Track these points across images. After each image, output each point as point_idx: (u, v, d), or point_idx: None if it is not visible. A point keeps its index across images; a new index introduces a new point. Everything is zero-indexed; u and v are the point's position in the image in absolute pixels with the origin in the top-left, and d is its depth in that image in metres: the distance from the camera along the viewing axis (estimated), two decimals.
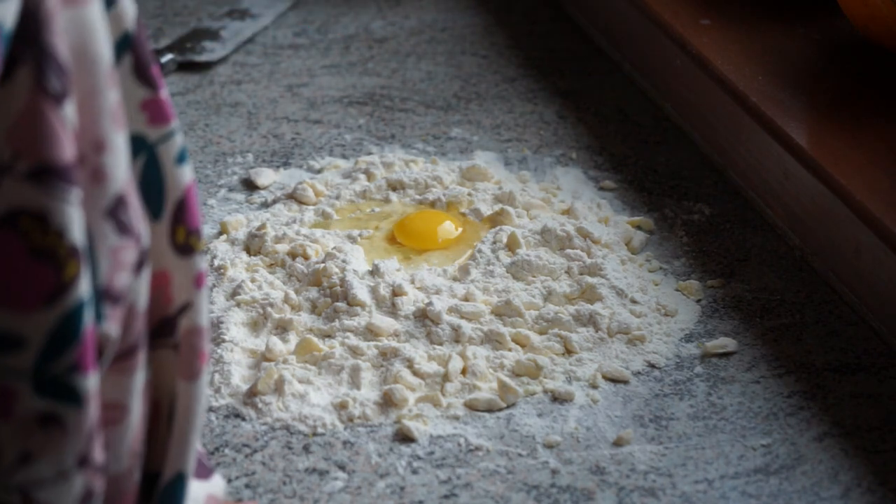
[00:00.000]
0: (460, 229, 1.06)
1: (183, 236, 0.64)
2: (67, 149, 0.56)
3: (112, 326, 0.60)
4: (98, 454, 0.60)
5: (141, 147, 0.62)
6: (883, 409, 0.89)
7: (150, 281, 0.64)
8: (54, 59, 0.56)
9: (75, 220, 0.56)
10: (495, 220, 1.07)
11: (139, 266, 0.61)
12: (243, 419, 0.89)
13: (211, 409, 0.90)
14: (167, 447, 0.66)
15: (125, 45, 0.61)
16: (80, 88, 0.58)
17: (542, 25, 1.44)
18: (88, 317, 0.58)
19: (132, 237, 0.60)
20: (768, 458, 0.85)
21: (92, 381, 0.58)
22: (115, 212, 0.59)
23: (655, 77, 1.27)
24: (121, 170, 0.59)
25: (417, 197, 1.10)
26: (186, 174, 0.64)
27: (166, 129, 0.63)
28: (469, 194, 1.09)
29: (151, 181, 0.63)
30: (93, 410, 0.59)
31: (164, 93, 0.62)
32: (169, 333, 0.65)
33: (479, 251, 1.02)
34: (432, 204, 1.09)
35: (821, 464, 0.85)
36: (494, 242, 1.02)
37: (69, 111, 0.56)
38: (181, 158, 0.63)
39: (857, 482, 0.83)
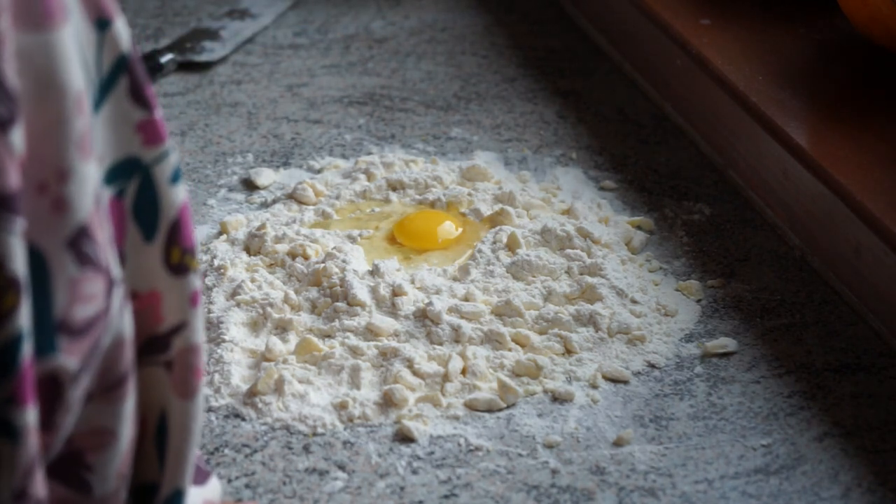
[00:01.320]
0: (460, 229, 1.06)
1: (178, 256, 0.64)
2: (12, 177, 0.55)
3: (70, 360, 0.59)
4: (38, 489, 0.59)
5: (135, 169, 0.62)
6: (883, 409, 0.89)
7: (134, 308, 0.63)
8: (0, 84, 0.55)
9: (17, 251, 0.55)
10: (495, 220, 1.07)
11: (109, 296, 0.59)
12: (243, 419, 0.89)
13: (211, 409, 0.90)
14: (164, 462, 0.66)
15: (121, 67, 0.60)
16: (45, 116, 0.56)
17: (542, 25, 1.44)
18: (27, 349, 0.57)
19: (95, 269, 0.59)
20: (768, 458, 0.85)
21: (30, 416, 0.57)
22: (77, 243, 0.58)
23: (655, 77, 1.27)
24: (85, 200, 0.58)
25: (417, 197, 1.10)
26: (180, 194, 0.63)
27: (161, 149, 0.62)
28: (469, 194, 1.09)
29: (146, 203, 0.62)
30: (31, 445, 0.58)
31: (159, 112, 0.62)
32: (159, 351, 0.65)
33: (479, 251, 1.02)
34: (432, 204, 1.09)
35: (821, 464, 0.85)
36: (494, 242, 1.02)
37: (16, 138, 0.55)
38: (175, 178, 0.63)
39: (857, 482, 0.83)
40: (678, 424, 0.88)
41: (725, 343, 0.95)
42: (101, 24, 0.59)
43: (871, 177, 0.98)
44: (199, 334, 0.65)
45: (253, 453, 0.86)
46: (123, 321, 0.61)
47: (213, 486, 0.73)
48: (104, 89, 0.60)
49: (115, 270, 0.60)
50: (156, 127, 0.62)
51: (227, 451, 0.86)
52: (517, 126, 1.24)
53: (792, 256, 1.05)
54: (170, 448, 0.66)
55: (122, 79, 0.61)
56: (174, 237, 0.63)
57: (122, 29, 0.60)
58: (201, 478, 0.73)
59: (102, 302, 0.59)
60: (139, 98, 0.61)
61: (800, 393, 0.91)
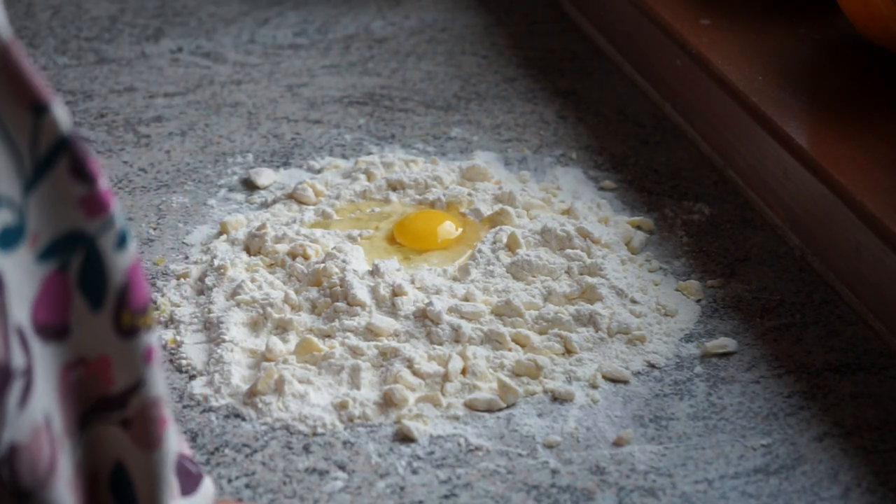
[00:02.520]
0: (460, 229, 1.06)
1: (128, 319, 0.63)
2: None
3: None
4: None
5: (79, 241, 0.62)
6: (883, 409, 0.89)
7: (82, 374, 0.63)
8: None
9: None
10: (495, 220, 1.07)
11: (2, 390, 0.58)
12: (243, 419, 0.89)
13: (211, 409, 0.90)
14: None
15: (60, 148, 0.61)
16: None
17: (542, 25, 1.44)
18: None
19: None
20: (768, 458, 0.85)
21: None
22: None
23: (655, 77, 1.27)
24: None
25: (417, 197, 1.10)
26: (127, 257, 0.63)
27: (105, 217, 0.62)
28: (469, 194, 1.09)
29: (91, 273, 0.62)
30: None
31: (103, 183, 0.62)
32: (113, 409, 0.64)
33: (479, 251, 1.02)
34: (432, 204, 1.09)
35: (821, 464, 0.85)
36: (494, 242, 1.02)
37: None
38: (121, 242, 0.63)
39: (857, 482, 0.83)
40: (678, 424, 0.88)
41: (725, 343, 0.95)
42: (37, 109, 0.60)
43: (871, 177, 0.98)
44: (159, 387, 0.65)
45: (253, 453, 0.86)
46: (26, 418, 0.60)
47: (205, 493, 0.73)
48: (40, 170, 0.61)
49: (16, 361, 0.59)
50: (99, 199, 0.62)
51: (227, 451, 0.86)
52: (517, 126, 1.24)
53: (792, 256, 1.05)
54: (140, 500, 0.66)
55: (62, 159, 0.61)
56: (123, 301, 0.63)
57: (59, 112, 0.61)
58: (191, 485, 0.72)
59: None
60: (81, 174, 0.61)
61: (800, 393, 0.91)
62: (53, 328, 0.62)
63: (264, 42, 1.40)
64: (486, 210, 1.08)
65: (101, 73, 1.33)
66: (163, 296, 1.00)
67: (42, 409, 0.61)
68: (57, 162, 0.61)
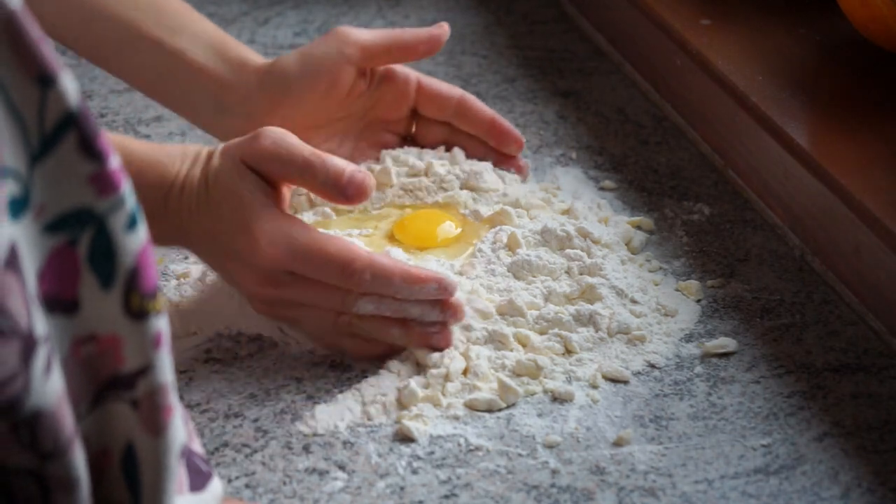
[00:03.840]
0: (460, 229, 1.06)
1: (137, 302, 0.63)
2: None
3: None
4: None
5: (88, 219, 0.62)
6: (883, 409, 0.89)
7: (95, 350, 0.63)
8: None
9: None
10: (495, 220, 1.06)
11: (27, 359, 0.59)
12: (244, 419, 0.89)
13: (211, 409, 0.90)
14: (140, 496, 0.66)
15: (68, 123, 0.60)
16: None
17: (542, 25, 1.44)
18: None
19: (4, 338, 0.57)
20: (768, 458, 0.85)
21: None
22: None
23: (655, 77, 1.27)
24: None
25: (418, 197, 1.10)
26: (137, 239, 0.63)
27: (115, 197, 0.62)
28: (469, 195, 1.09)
29: (101, 252, 0.62)
30: None
31: (113, 162, 0.62)
32: (124, 388, 0.65)
33: (480, 251, 1.02)
34: (432, 204, 1.09)
35: (821, 464, 0.85)
36: (494, 242, 1.02)
37: None
38: (132, 223, 0.63)
39: (857, 482, 0.83)
40: (678, 424, 0.88)
41: (725, 343, 0.95)
42: (44, 81, 0.59)
43: (871, 177, 0.98)
44: (166, 374, 0.65)
45: (253, 453, 0.86)
46: (52, 384, 0.60)
47: (213, 492, 0.73)
48: (46, 145, 0.60)
49: (39, 329, 0.59)
50: (109, 177, 0.62)
51: (227, 451, 0.86)
52: (517, 126, 1.23)
53: (792, 256, 1.05)
54: (144, 484, 0.66)
55: (70, 134, 0.61)
56: (132, 284, 0.63)
57: (68, 85, 0.60)
58: (200, 482, 0.72)
59: (16, 365, 0.58)
60: (90, 151, 0.61)
61: (800, 393, 0.91)
62: (60, 301, 0.62)
63: (264, 42, 1.40)
64: (486, 210, 1.08)
65: (101, 73, 1.33)
66: (163, 296, 1.00)
67: (57, 383, 0.61)
68: (64, 137, 0.61)
